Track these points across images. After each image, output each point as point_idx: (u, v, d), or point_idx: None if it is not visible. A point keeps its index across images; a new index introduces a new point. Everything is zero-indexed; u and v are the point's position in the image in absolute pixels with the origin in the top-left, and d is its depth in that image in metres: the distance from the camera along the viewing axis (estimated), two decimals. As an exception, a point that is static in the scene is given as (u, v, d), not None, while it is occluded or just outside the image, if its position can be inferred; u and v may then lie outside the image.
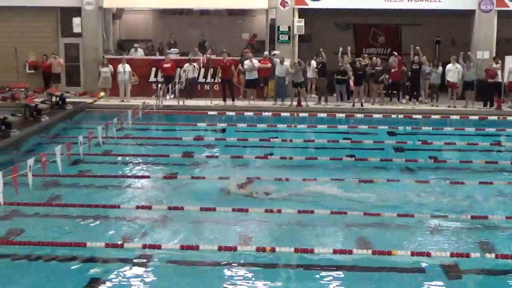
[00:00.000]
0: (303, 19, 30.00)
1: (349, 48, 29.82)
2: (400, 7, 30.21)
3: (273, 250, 12.17)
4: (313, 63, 28.90)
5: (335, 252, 12.11)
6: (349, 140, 22.30)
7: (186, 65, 29.07)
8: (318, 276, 11.39)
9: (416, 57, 28.53)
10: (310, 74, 29.27)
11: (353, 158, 19.35)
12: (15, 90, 27.94)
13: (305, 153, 20.19)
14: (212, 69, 29.49)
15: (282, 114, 26.88)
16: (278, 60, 28.56)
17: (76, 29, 30.49)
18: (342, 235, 13.43)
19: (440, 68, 28.83)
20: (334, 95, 28.85)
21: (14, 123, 21.31)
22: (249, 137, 22.36)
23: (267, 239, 13.21)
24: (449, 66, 28.66)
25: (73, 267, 11.67)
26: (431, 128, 24.58)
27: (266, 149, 20.92)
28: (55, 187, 16.24)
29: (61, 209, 14.64)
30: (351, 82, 28.77)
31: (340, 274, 11.48)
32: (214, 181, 16.64)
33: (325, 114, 26.85)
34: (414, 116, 26.95)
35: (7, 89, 29.21)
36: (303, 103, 27.96)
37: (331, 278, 11.30)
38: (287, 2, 29.95)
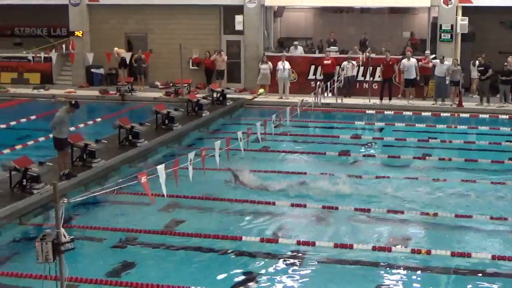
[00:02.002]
0: (467, 17, 29.15)
1: None
2: None
3: (428, 252, 12.00)
4: (477, 63, 28.03)
5: (493, 258, 11.77)
6: (512, 143, 21.54)
7: (345, 63, 28.98)
8: (473, 281, 11.12)
9: None
10: (474, 74, 28.42)
11: (516, 162, 18.71)
12: (179, 85, 28.81)
13: (465, 155, 19.63)
14: (371, 68, 29.24)
15: (442, 114, 26.24)
16: (438, 60, 27.94)
17: (238, 27, 31.09)
18: (502, 240, 13.01)
19: None
20: (497, 96, 27.87)
21: (177, 118, 21.98)
22: (407, 137, 22.02)
23: (422, 241, 13.03)
24: None
25: (228, 260, 11.97)
26: None
27: (424, 149, 20.56)
28: (213, 181, 16.65)
29: (218, 203, 15.05)
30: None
31: (498, 280, 11.16)
32: (371, 181, 16.51)
33: (487, 115, 25.98)
34: None
35: (171, 84, 30.17)
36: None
37: (488, 284, 11.01)
38: (450, 0, 29.21)
